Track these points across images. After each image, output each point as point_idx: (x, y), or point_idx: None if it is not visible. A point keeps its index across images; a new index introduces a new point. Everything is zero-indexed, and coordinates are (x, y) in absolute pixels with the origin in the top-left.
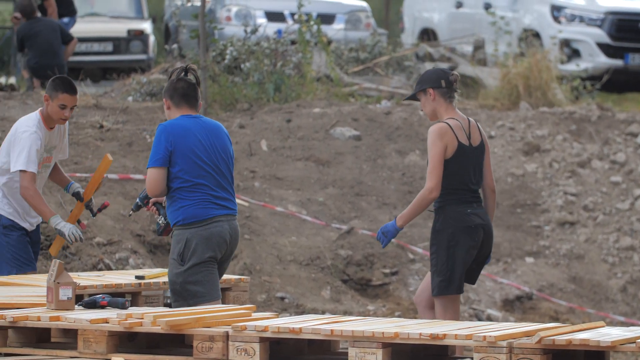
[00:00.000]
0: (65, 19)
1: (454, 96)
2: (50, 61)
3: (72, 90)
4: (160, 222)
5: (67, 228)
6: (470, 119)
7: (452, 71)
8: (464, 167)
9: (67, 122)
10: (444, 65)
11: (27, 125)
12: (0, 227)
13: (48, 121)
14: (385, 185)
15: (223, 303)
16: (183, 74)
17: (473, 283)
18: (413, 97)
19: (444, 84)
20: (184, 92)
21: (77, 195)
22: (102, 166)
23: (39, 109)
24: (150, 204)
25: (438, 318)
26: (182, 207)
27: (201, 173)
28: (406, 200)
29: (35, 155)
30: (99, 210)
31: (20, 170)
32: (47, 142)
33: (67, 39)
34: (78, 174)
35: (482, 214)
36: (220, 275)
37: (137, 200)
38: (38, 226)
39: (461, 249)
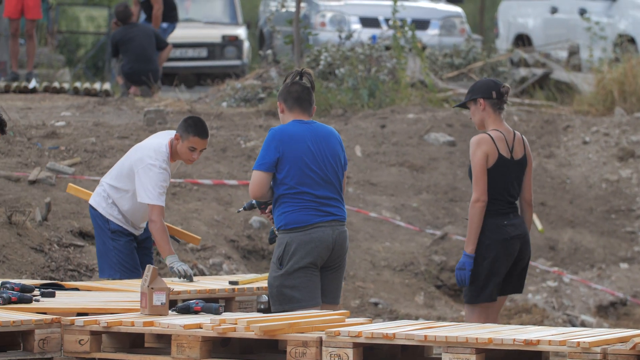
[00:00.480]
0: (165, 24)
1: (503, 107)
2: (144, 67)
3: (204, 134)
4: (275, 229)
5: (181, 267)
6: (516, 132)
7: (504, 83)
8: (504, 178)
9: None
10: (538, 71)
11: (157, 160)
12: (109, 232)
13: (174, 156)
14: None
15: None
16: (298, 77)
17: (520, 292)
18: (463, 105)
19: (494, 95)
20: (298, 95)
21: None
22: (188, 237)
23: (169, 140)
24: (267, 211)
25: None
26: (285, 213)
27: (306, 180)
28: None
29: (164, 190)
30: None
31: (150, 205)
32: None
33: (162, 45)
34: (172, 180)
35: (518, 224)
36: (332, 282)
37: (254, 201)
38: (149, 234)
39: (496, 260)
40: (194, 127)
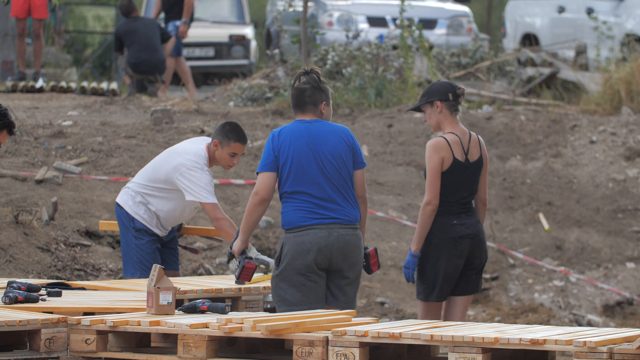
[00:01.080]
0: (178, 22)
1: (458, 109)
2: (150, 56)
3: (244, 139)
4: (235, 267)
5: (264, 258)
6: (472, 133)
7: (459, 85)
8: (457, 181)
9: None
10: (545, 71)
11: (199, 163)
12: (133, 230)
13: (212, 162)
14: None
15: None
16: (297, 81)
17: (477, 291)
18: (417, 109)
19: (451, 97)
20: (293, 99)
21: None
22: (215, 233)
23: (205, 144)
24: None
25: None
26: (283, 213)
27: (303, 180)
28: (507, 205)
29: (213, 189)
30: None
31: (208, 204)
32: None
33: (165, 36)
34: None
35: (470, 224)
36: (341, 288)
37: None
38: (175, 234)
39: (444, 259)
40: (235, 133)
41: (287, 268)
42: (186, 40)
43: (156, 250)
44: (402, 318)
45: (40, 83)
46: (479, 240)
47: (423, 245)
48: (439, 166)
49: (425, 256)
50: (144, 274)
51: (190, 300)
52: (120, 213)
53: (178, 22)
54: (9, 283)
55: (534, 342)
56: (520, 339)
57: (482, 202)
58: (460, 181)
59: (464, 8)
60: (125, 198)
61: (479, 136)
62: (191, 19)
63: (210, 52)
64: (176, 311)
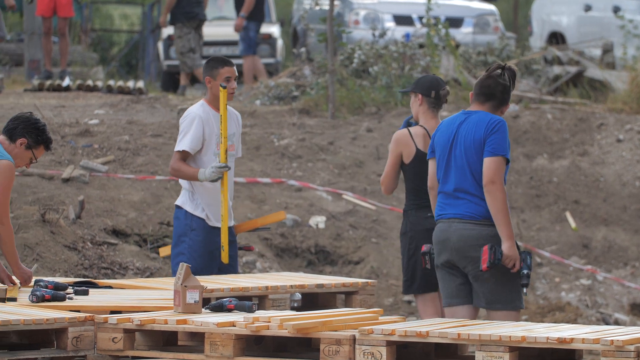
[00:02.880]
0: (250, 25)
1: (440, 107)
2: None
3: (230, 62)
4: None
5: (208, 171)
6: None
7: (446, 86)
8: (425, 173)
9: (240, 118)
10: (572, 69)
11: (188, 112)
12: (189, 230)
13: (214, 102)
14: (513, 189)
15: (349, 307)
16: (499, 71)
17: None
18: (405, 91)
19: (433, 94)
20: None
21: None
22: (272, 218)
23: (202, 100)
24: None
25: (420, 314)
26: None
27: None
28: (533, 204)
29: (198, 137)
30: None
31: (176, 151)
32: (221, 127)
33: None
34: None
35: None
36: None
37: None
38: (232, 230)
39: (420, 250)
40: (217, 61)
41: None
42: (213, 39)
43: (207, 254)
44: None
45: (66, 82)
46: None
47: (402, 238)
48: (396, 158)
49: (404, 249)
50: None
51: (217, 298)
52: (178, 214)
53: (251, 24)
54: (36, 281)
55: (561, 340)
56: (548, 338)
57: None
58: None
59: (490, 6)
60: (183, 200)
61: None
62: (259, 18)
63: (237, 50)
64: (203, 310)
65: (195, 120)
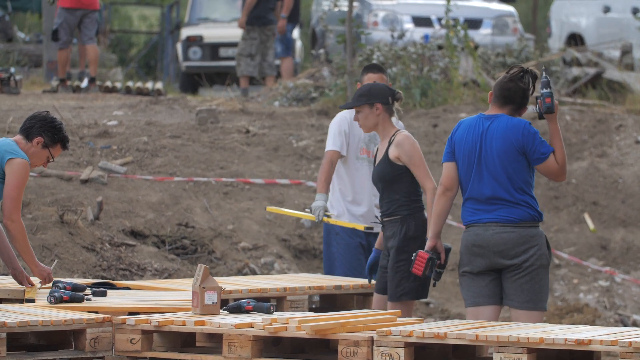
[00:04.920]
0: (288, 26)
1: (394, 112)
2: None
3: (375, 69)
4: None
5: (317, 208)
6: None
7: (398, 91)
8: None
9: None
10: (590, 70)
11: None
12: (334, 234)
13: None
14: None
15: (365, 308)
16: (521, 74)
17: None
18: (350, 107)
19: (391, 100)
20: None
21: None
22: (352, 225)
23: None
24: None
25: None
26: None
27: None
28: (552, 205)
29: (341, 135)
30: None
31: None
32: (361, 134)
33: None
34: (224, 179)
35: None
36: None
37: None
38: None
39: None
40: (368, 66)
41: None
42: (232, 40)
43: (355, 253)
44: (447, 318)
45: (85, 83)
46: None
47: (410, 242)
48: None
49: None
50: (350, 271)
51: (235, 300)
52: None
53: (289, 25)
54: (55, 283)
55: (579, 342)
56: (566, 339)
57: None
58: None
59: (509, 8)
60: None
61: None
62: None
63: None
64: (221, 311)
65: (338, 121)
